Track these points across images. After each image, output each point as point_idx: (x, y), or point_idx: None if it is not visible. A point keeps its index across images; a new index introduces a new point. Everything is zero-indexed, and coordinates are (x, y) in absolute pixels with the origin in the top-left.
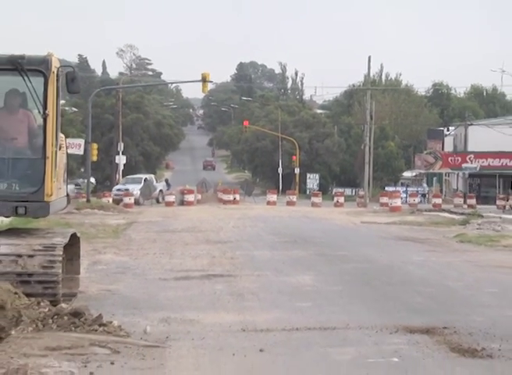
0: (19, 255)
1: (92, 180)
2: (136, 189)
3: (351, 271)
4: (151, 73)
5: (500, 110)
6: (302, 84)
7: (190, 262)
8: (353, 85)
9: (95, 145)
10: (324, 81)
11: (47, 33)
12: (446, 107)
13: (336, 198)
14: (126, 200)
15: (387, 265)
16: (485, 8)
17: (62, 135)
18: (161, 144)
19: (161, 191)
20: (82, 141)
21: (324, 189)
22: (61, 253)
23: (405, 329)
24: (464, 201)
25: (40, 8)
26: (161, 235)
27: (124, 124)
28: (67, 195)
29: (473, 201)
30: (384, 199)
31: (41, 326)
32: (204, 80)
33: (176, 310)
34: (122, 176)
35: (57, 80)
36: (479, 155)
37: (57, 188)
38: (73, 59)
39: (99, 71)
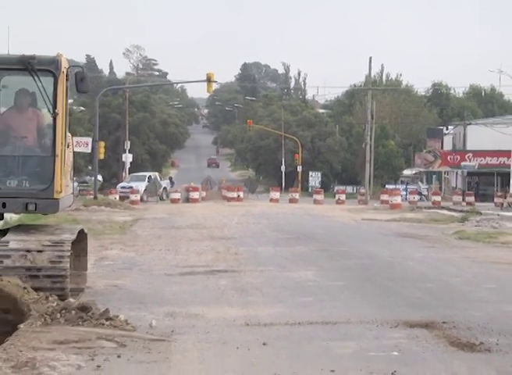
0: (29, 251)
1: (99, 177)
2: (140, 186)
3: (352, 267)
4: (157, 73)
5: (498, 110)
6: (305, 84)
7: (194, 257)
8: (355, 85)
9: (102, 143)
10: (326, 81)
11: (56, 34)
12: (446, 107)
13: (337, 196)
14: (133, 197)
15: (387, 261)
16: (484, 9)
17: (69, 134)
18: (166, 142)
19: (164, 188)
20: (89, 140)
21: (326, 187)
22: (69, 248)
23: (405, 323)
24: (463, 199)
25: (50, 10)
26: (167, 231)
27: (131, 123)
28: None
29: (471, 199)
30: (384, 197)
31: (49, 320)
32: (208, 80)
33: (181, 305)
34: (129, 174)
35: (66, 80)
36: (478, 153)
37: (65, 185)
38: (81, 60)
39: (106, 71)
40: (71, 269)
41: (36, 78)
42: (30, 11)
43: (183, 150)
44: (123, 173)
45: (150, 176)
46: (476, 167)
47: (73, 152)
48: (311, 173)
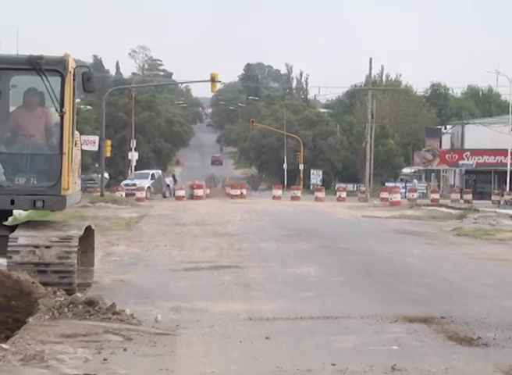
0: (37, 246)
1: (106, 175)
2: (143, 183)
3: (353, 263)
4: (162, 73)
5: (495, 109)
6: (306, 84)
7: (199, 253)
8: (355, 85)
9: (109, 142)
10: (327, 81)
11: (64, 35)
12: (444, 107)
13: (338, 193)
14: (138, 194)
15: (387, 257)
16: (480, 13)
17: (76, 132)
18: (171, 141)
19: (168, 186)
20: (96, 138)
21: (327, 184)
22: (76, 244)
23: (404, 318)
24: (461, 197)
25: (58, 13)
26: (172, 228)
27: (136, 122)
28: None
29: (469, 197)
30: (384, 194)
31: (57, 314)
32: (212, 80)
33: (185, 299)
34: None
35: (73, 80)
36: (475, 152)
37: (72, 183)
38: (89, 60)
39: (113, 71)
40: (78, 264)
41: (44, 78)
42: (39, 13)
43: (188, 148)
44: (129, 171)
45: (153, 173)
46: (474, 166)
47: (81, 150)
48: (312, 171)
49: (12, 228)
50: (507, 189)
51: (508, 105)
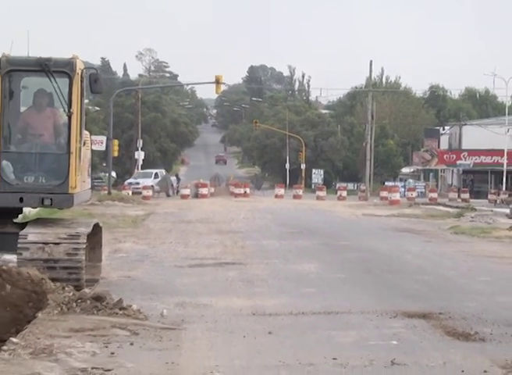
0: (46, 243)
1: (113, 174)
2: (146, 182)
3: (353, 260)
4: (168, 75)
5: (492, 111)
6: (308, 86)
7: (203, 250)
8: (356, 87)
9: (116, 142)
10: (328, 83)
11: (73, 38)
12: (442, 108)
13: (339, 192)
14: (144, 192)
15: (386, 254)
16: (477, 17)
17: (86, 132)
18: (177, 141)
19: (172, 185)
20: (104, 138)
21: (328, 183)
22: (84, 241)
23: (403, 314)
24: (458, 196)
25: (67, 16)
26: (177, 225)
27: (143, 122)
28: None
29: (466, 196)
30: (384, 193)
31: (66, 309)
32: (217, 81)
33: (190, 295)
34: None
35: (81, 81)
36: (472, 152)
37: (81, 181)
38: (96, 62)
39: (120, 73)
40: (86, 260)
41: (52, 79)
42: (49, 17)
43: (193, 148)
44: (136, 170)
45: (156, 172)
46: (471, 165)
47: (91, 150)
48: (314, 170)
49: (22, 225)
50: (503, 188)
51: (504, 107)
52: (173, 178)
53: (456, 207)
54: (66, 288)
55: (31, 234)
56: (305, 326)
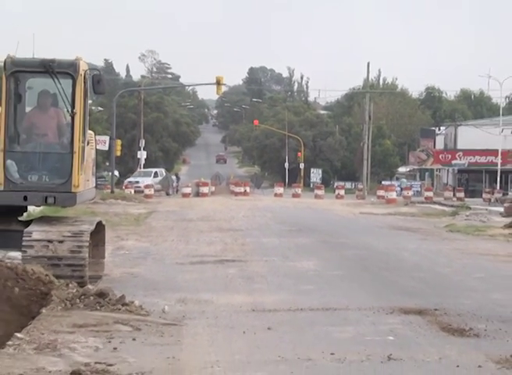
0: (50, 241)
1: (116, 173)
2: (146, 181)
3: (351, 257)
4: (170, 76)
5: (487, 112)
6: (307, 87)
7: (204, 248)
8: (354, 88)
9: (119, 141)
10: (327, 84)
11: (76, 39)
12: (438, 109)
13: (337, 191)
14: (147, 191)
15: (383, 252)
16: (472, 19)
17: (91, 132)
18: (178, 140)
19: (171, 184)
20: (107, 138)
21: (326, 183)
22: (88, 239)
23: (400, 310)
24: (454, 195)
25: (72, 19)
26: (179, 223)
27: (145, 122)
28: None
29: (461, 195)
30: (381, 192)
31: (69, 305)
32: (218, 82)
33: (191, 292)
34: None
35: (84, 82)
36: (467, 152)
37: (84, 180)
38: (100, 63)
39: (123, 74)
40: (90, 257)
41: (56, 80)
42: (53, 19)
43: (194, 148)
44: (138, 169)
45: (156, 172)
46: (466, 165)
47: (96, 149)
48: (312, 169)
49: (27, 223)
50: (497, 187)
51: (499, 108)
52: (173, 177)
53: (452, 206)
54: (70, 285)
55: (36, 232)
56: (304, 322)
